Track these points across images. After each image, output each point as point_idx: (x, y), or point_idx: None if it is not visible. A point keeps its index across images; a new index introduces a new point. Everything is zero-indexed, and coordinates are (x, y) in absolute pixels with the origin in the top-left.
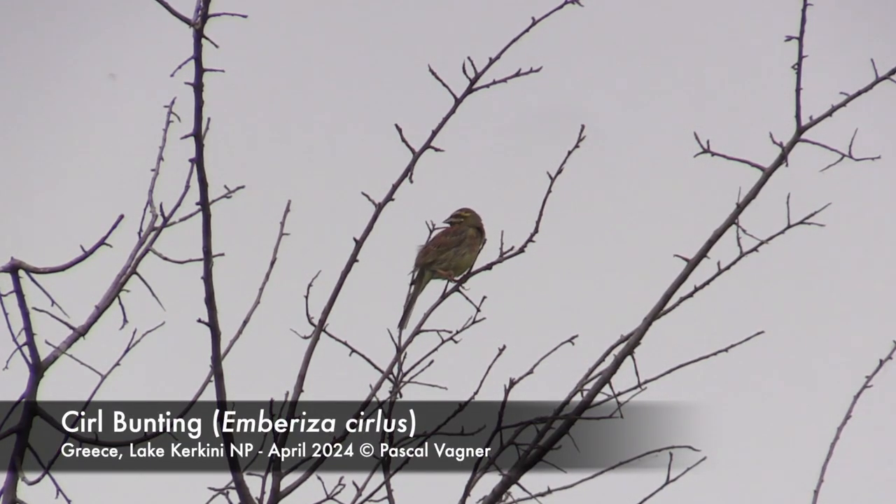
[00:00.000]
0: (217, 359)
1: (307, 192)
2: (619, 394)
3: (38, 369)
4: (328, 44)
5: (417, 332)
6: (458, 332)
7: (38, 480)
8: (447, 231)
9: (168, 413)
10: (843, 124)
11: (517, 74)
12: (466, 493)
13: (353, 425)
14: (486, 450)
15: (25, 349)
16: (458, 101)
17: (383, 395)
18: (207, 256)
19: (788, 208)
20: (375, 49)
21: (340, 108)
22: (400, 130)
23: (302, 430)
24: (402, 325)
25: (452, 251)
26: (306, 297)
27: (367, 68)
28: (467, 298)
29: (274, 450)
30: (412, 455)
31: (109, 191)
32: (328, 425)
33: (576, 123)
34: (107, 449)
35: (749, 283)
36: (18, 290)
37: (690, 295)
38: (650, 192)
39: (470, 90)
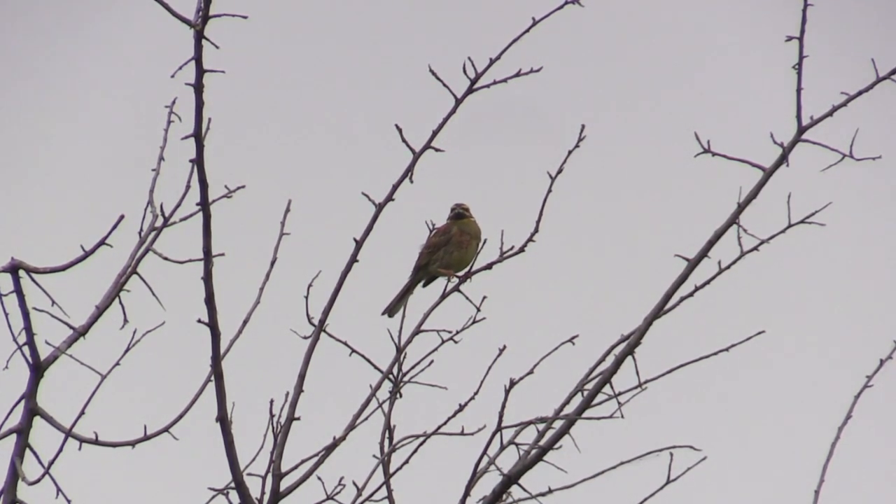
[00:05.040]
0: (217, 359)
1: (307, 192)
2: (620, 394)
3: (38, 369)
4: (328, 44)
5: (417, 332)
6: (458, 332)
7: (38, 480)
8: (437, 231)
9: (168, 413)
10: (843, 124)
11: (517, 74)
12: (466, 493)
13: (353, 425)
14: (486, 450)
15: (25, 349)
16: (458, 101)
17: (383, 395)
18: (207, 256)
19: (789, 208)
20: (376, 49)
21: (340, 108)
22: (400, 130)
23: (302, 430)
24: (388, 312)
25: (442, 251)
26: (306, 297)
27: (368, 68)
28: (467, 298)
29: (274, 450)
30: (412, 455)
31: (109, 191)
32: (328, 425)
33: (576, 123)
34: (107, 449)
35: (750, 283)
36: (18, 290)
37: (691, 294)
38: (650, 192)
39: (470, 90)
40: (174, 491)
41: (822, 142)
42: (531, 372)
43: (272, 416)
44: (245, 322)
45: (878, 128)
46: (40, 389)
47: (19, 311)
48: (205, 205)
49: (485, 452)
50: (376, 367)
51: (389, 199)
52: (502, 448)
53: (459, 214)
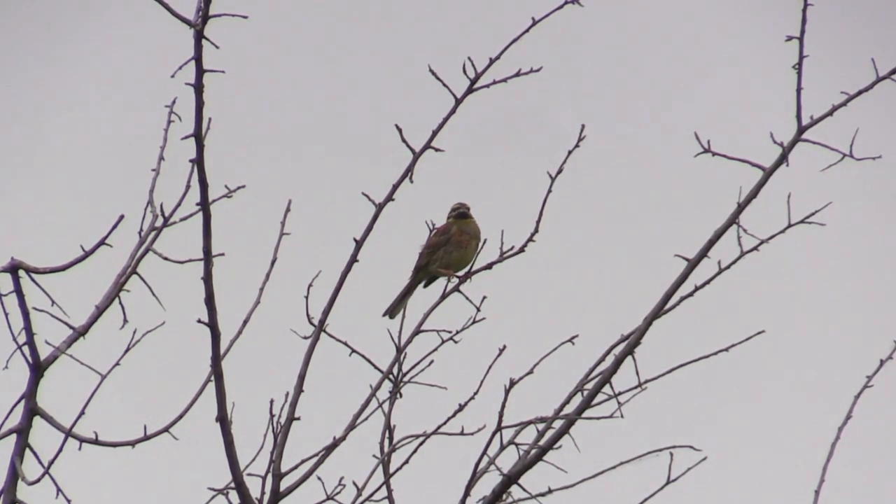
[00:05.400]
0: (217, 359)
1: (307, 192)
2: (619, 394)
3: (38, 369)
4: (328, 44)
5: (417, 332)
6: (458, 332)
7: (38, 480)
8: (437, 231)
9: (168, 413)
10: (843, 124)
11: (517, 74)
12: (466, 493)
13: (353, 425)
14: (486, 450)
15: (25, 349)
16: (458, 101)
17: (383, 395)
18: (207, 256)
19: (789, 208)
20: (376, 49)
21: (340, 107)
22: (400, 130)
23: (302, 430)
24: (389, 313)
25: (441, 251)
26: (306, 297)
27: (368, 68)
28: (467, 298)
29: (274, 450)
30: (412, 455)
31: (109, 191)
32: (328, 425)
33: (576, 123)
34: (107, 449)
35: (750, 283)
36: (18, 290)
37: (691, 294)
38: (650, 192)
39: (470, 90)
40: (174, 491)
41: (822, 142)
42: (531, 372)
43: (272, 416)
44: (245, 322)
45: (878, 128)
46: (40, 389)
47: (19, 311)
48: (205, 205)
49: (485, 452)
50: (376, 367)
51: (389, 199)
52: (502, 448)
53: (462, 214)
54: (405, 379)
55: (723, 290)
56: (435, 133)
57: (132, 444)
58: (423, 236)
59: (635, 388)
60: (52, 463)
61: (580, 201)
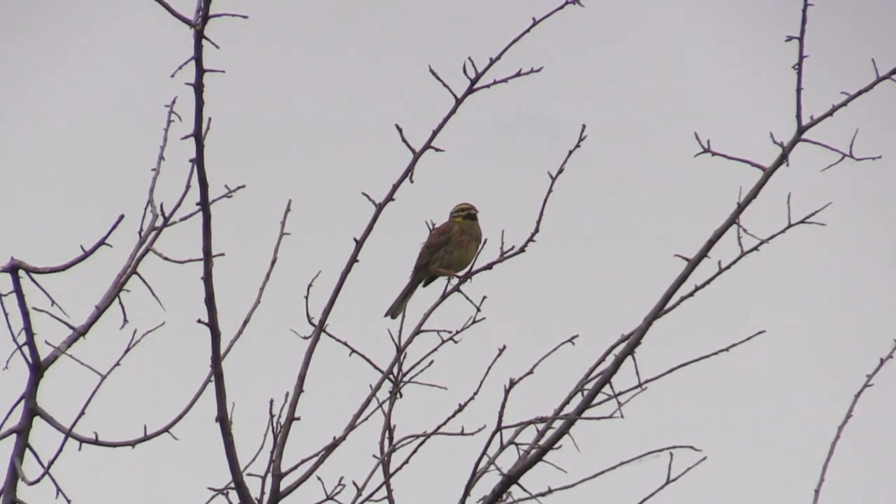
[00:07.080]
0: (217, 359)
1: (307, 192)
2: (619, 394)
3: (38, 369)
4: (329, 44)
5: (417, 332)
6: (458, 332)
7: (38, 480)
8: (437, 231)
9: (168, 413)
10: (843, 124)
11: (517, 74)
12: (466, 493)
13: (353, 425)
14: (486, 450)
15: (25, 349)
16: (458, 101)
17: (383, 395)
18: (207, 256)
19: (789, 208)
20: (376, 49)
21: (340, 108)
22: (400, 130)
23: (302, 430)
24: (391, 314)
25: (442, 250)
26: (306, 297)
27: (368, 68)
28: (467, 298)
29: (274, 450)
30: (412, 455)
31: (109, 191)
32: (328, 425)
33: (576, 123)
34: (107, 449)
35: (750, 283)
36: (18, 290)
37: (691, 294)
38: (650, 192)
39: (470, 90)
40: (174, 491)
41: (822, 142)
42: (531, 372)
43: (272, 416)
44: (245, 322)
45: (878, 128)
46: (40, 389)
47: (19, 311)
48: (205, 205)
49: (485, 452)
50: (376, 367)
51: (389, 199)
52: (502, 448)
53: (472, 216)
54: (405, 379)
55: (723, 290)
56: (435, 133)
57: (132, 444)
58: (423, 236)
59: (635, 388)
60: (52, 463)
61: (581, 201)
